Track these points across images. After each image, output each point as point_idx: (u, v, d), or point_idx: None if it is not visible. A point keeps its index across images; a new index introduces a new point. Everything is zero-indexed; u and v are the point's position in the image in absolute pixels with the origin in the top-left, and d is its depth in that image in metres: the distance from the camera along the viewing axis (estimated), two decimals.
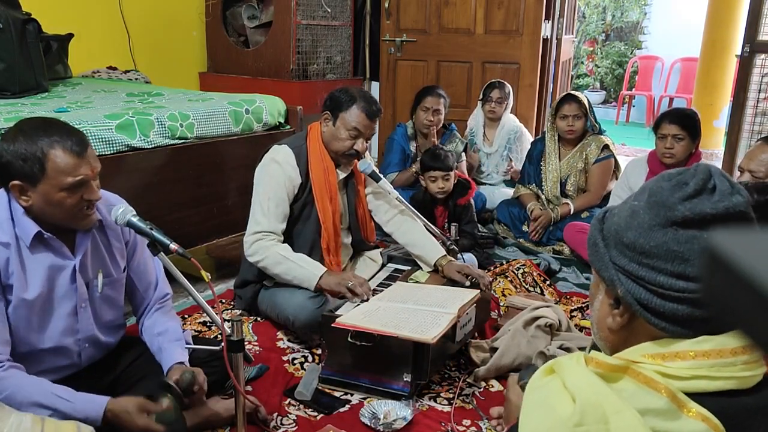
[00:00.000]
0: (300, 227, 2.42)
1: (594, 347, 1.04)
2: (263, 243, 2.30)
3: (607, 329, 0.97)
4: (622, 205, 0.96)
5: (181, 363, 1.70)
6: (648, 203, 0.91)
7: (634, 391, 0.86)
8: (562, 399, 0.86)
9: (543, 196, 3.58)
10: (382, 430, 1.85)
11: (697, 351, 0.86)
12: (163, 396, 1.56)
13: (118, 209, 1.62)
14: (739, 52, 4.72)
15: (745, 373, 0.85)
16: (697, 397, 0.85)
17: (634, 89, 8.66)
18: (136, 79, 4.09)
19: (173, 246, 1.59)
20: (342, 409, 1.96)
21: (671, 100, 8.03)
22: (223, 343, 1.56)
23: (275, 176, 2.34)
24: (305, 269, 2.26)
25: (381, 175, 2.55)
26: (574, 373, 0.88)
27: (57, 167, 1.51)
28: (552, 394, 0.88)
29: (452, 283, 2.36)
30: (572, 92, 3.63)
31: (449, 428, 1.89)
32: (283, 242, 2.35)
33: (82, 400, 1.52)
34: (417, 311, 2.00)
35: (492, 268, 3.04)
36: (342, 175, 2.47)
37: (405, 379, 1.97)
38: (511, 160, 4.01)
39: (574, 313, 2.69)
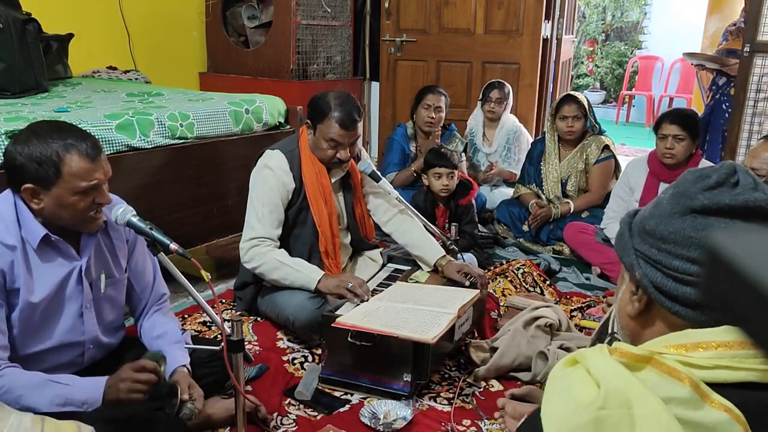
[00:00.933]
0: (297, 232, 2.41)
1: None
2: (259, 249, 2.29)
3: (627, 316, 1.00)
4: (652, 200, 1.01)
5: (183, 366, 1.69)
6: (672, 194, 0.95)
7: (658, 380, 0.86)
8: (585, 386, 0.87)
9: (543, 196, 3.58)
10: (382, 430, 1.85)
11: (720, 342, 0.87)
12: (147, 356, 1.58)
13: (118, 209, 1.62)
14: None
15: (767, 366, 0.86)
16: (719, 388, 0.85)
17: (634, 89, 8.66)
18: (136, 79, 4.09)
19: (173, 246, 1.59)
20: (342, 409, 1.96)
21: (671, 100, 8.03)
22: (223, 343, 1.56)
23: (269, 182, 2.33)
24: (303, 273, 2.26)
25: (381, 175, 2.55)
26: (599, 362, 0.90)
27: (72, 171, 1.51)
28: (575, 382, 0.89)
29: (452, 283, 2.36)
30: (572, 93, 3.63)
31: (449, 428, 1.89)
32: (280, 247, 2.35)
33: (81, 383, 1.53)
34: (417, 311, 2.00)
35: (492, 268, 3.04)
36: (335, 178, 2.46)
37: (405, 379, 1.97)
38: (491, 164, 3.96)
39: (574, 313, 2.69)
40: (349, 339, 1.96)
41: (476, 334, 2.42)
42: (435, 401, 2.02)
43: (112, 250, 1.73)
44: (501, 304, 2.69)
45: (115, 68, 4.15)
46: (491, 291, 2.80)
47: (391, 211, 2.57)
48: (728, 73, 3.95)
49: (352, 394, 2.04)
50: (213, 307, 1.69)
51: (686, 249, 0.90)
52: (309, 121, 2.38)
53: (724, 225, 0.88)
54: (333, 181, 2.44)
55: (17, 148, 1.51)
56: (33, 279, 1.56)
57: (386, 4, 4.54)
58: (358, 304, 2.12)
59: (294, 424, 1.89)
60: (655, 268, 0.93)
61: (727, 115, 3.86)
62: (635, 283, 0.97)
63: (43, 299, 1.57)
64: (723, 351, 0.86)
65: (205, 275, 1.55)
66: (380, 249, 2.72)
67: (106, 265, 1.71)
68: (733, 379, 0.85)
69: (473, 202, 3.21)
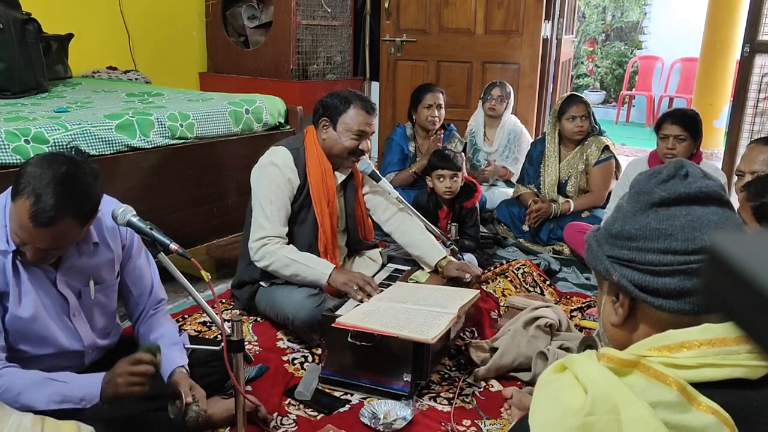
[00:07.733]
0: (297, 229, 2.41)
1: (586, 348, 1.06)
2: (269, 247, 2.30)
3: (612, 327, 1.00)
4: (612, 210, 1.03)
5: (182, 367, 1.69)
6: (629, 195, 0.98)
7: (645, 385, 0.87)
8: (573, 391, 0.88)
9: (541, 197, 3.58)
10: (382, 430, 1.85)
11: (703, 340, 0.87)
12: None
13: (118, 209, 1.62)
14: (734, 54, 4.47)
15: (751, 362, 0.86)
16: (706, 388, 0.85)
17: (634, 89, 8.66)
18: (136, 79, 4.09)
19: (173, 246, 1.59)
20: (342, 409, 1.96)
21: (671, 100, 8.03)
22: (223, 343, 1.56)
23: (275, 179, 2.34)
24: (314, 269, 2.26)
25: (381, 176, 2.55)
26: (587, 367, 0.90)
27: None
28: (563, 388, 0.89)
29: (453, 282, 2.35)
30: (575, 93, 3.62)
31: (449, 428, 1.89)
32: (288, 243, 2.35)
33: (79, 380, 1.54)
34: (417, 311, 2.00)
35: (492, 268, 3.04)
36: (341, 178, 2.46)
37: (405, 379, 1.97)
38: (488, 162, 3.98)
39: (574, 313, 2.69)
40: (349, 339, 1.96)
41: (476, 334, 2.42)
42: (435, 401, 2.02)
43: (101, 258, 1.70)
44: (501, 304, 2.69)
45: (115, 68, 4.15)
46: (491, 291, 2.80)
47: (390, 209, 2.57)
48: None
49: (352, 394, 2.04)
50: (213, 307, 1.69)
51: (656, 241, 0.91)
52: (326, 119, 2.38)
53: (685, 212, 0.91)
54: (338, 182, 2.45)
55: None
56: (20, 290, 1.56)
57: (386, 4, 4.54)
58: (358, 304, 2.12)
59: (294, 424, 1.89)
60: (631, 268, 0.94)
61: None
62: (614, 290, 0.98)
63: (30, 311, 1.57)
64: (706, 349, 0.87)
65: (205, 275, 1.55)
66: (380, 249, 2.72)
67: (94, 272, 1.69)
68: (719, 376, 0.86)
69: (477, 206, 3.21)
